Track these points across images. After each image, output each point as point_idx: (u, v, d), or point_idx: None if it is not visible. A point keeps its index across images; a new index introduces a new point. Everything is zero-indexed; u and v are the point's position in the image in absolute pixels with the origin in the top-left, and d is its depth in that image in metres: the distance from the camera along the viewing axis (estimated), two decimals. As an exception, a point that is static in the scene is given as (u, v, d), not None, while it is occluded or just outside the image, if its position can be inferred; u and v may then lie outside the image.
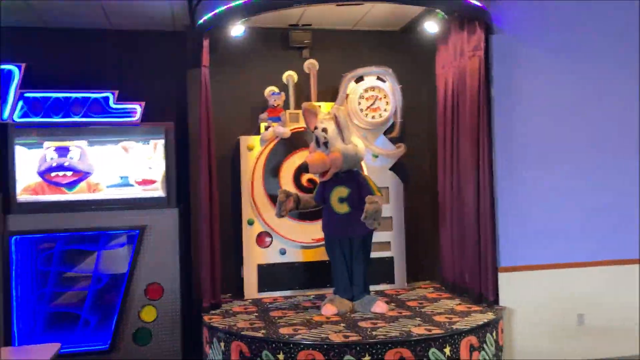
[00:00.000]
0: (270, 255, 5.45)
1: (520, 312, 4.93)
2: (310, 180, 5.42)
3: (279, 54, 5.66)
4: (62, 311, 5.01)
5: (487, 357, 4.44)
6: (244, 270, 5.42)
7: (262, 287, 5.43)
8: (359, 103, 5.49)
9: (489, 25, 4.95)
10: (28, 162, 4.85)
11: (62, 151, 4.91)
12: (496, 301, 4.90)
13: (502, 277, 4.93)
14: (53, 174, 4.86)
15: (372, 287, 5.17)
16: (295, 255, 5.48)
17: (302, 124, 5.32)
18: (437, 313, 4.73)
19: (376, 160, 5.59)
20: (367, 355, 4.07)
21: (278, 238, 5.43)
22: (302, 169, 5.37)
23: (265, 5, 4.69)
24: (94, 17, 5.19)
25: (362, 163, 5.21)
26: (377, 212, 4.52)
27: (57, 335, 4.87)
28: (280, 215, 4.87)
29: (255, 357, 4.26)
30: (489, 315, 4.63)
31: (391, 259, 5.64)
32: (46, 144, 4.89)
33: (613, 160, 5.14)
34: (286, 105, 5.54)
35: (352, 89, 5.52)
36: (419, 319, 4.59)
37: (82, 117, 4.98)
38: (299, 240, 5.44)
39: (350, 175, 4.86)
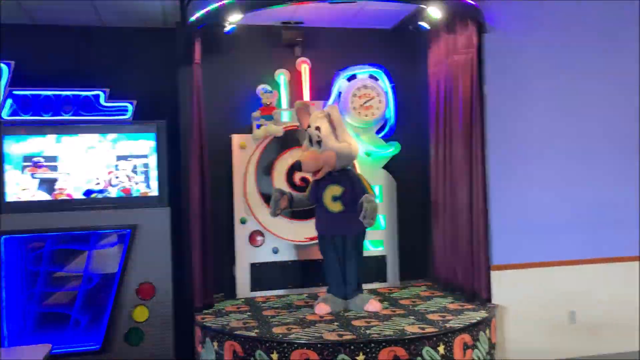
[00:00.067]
0: (263, 254, 5.42)
1: (513, 310, 4.94)
2: (303, 179, 5.40)
3: (270, 52, 5.63)
4: (52, 311, 4.96)
5: (480, 355, 4.45)
6: (236, 269, 5.39)
7: (254, 286, 5.41)
8: (352, 101, 5.48)
9: (482, 24, 4.95)
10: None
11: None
12: (489, 299, 4.91)
13: (495, 275, 4.94)
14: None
15: (365, 286, 5.16)
16: (288, 254, 5.46)
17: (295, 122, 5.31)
18: (430, 311, 4.73)
19: (369, 158, 5.58)
20: (361, 354, 4.06)
21: (271, 237, 5.40)
22: (295, 167, 5.35)
23: (258, 3, 4.67)
24: (84, 15, 5.14)
25: (355, 161, 5.20)
26: (375, 210, 4.52)
27: (48, 335, 4.82)
28: (275, 214, 4.84)
29: (248, 356, 4.23)
30: (482, 313, 4.63)
31: (384, 257, 5.64)
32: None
33: (605, 158, 5.17)
34: (278, 104, 5.52)
35: (344, 87, 5.51)
36: (412, 317, 4.59)
37: (73, 115, 4.94)
38: (291, 239, 5.42)
39: (343, 174, 4.85)
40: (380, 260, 5.63)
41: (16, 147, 4.81)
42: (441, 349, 4.21)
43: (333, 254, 4.87)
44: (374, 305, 4.80)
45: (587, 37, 5.16)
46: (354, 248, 4.86)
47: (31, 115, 4.86)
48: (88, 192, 4.92)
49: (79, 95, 4.94)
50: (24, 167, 4.82)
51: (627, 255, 5.16)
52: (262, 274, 5.41)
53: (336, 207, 4.79)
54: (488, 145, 4.98)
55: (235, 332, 4.33)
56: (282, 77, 5.57)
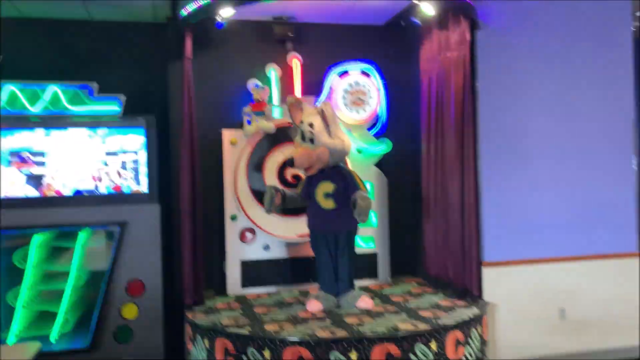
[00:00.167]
0: (254, 251, 5.38)
1: (503, 307, 4.96)
2: (294, 176, 5.37)
3: (262, 47, 5.58)
4: (41, 309, 4.89)
5: (472, 352, 4.46)
6: (226, 266, 5.35)
7: (245, 283, 5.37)
8: (344, 98, 5.45)
9: (475, 20, 4.95)
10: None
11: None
12: (480, 296, 4.92)
13: (486, 272, 4.95)
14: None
15: (356, 282, 5.13)
16: (279, 251, 5.43)
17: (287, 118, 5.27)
18: (422, 308, 4.73)
19: (360, 155, 5.56)
20: (354, 351, 4.05)
21: (262, 234, 5.37)
22: (287, 163, 5.33)
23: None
24: (72, 8, 5.06)
25: (347, 158, 5.18)
26: (369, 207, 4.50)
27: (36, 333, 4.75)
28: (269, 211, 4.81)
29: (240, 354, 4.20)
30: (474, 310, 4.64)
31: (375, 254, 5.63)
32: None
33: (598, 156, 5.19)
34: (270, 99, 5.47)
35: (336, 83, 5.48)
36: (404, 314, 4.58)
37: (61, 109, 4.85)
38: (283, 235, 5.39)
39: (336, 171, 4.82)
40: (371, 257, 5.61)
41: (4, 142, 4.72)
42: (434, 346, 4.21)
43: (325, 250, 4.84)
44: (365, 302, 4.79)
45: (580, 34, 5.17)
46: (346, 245, 4.84)
47: (18, 109, 4.77)
48: (78, 192, 4.85)
49: (67, 89, 4.86)
50: (9, 163, 4.73)
51: (617, 252, 5.19)
52: (253, 271, 5.37)
53: (328, 203, 4.76)
54: (480, 142, 4.99)
55: (227, 330, 4.29)
56: (273, 72, 5.53)
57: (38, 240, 4.76)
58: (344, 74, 5.52)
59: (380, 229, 5.64)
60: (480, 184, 4.97)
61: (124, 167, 4.95)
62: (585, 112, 5.18)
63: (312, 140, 4.72)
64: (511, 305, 4.97)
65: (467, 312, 4.58)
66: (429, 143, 5.36)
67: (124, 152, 4.95)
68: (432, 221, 5.35)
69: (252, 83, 5.41)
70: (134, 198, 4.93)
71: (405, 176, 5.84)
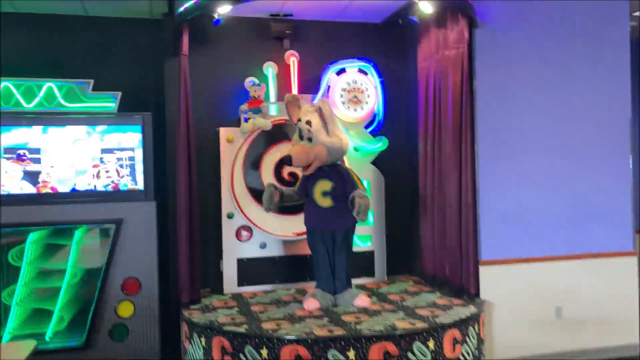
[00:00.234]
0: (251, 249, 5.36)
1: (500, 306, 4.96)
2: (291, 174, 5.35)
3: (259, 45, 5.56)
4: (35, 307, 4.85)
5: (469, 350, 4.46)
6: (223, 264, 5.33)
7: (242, 282, 5.35)
8: (341, 96, 5.44)
9: (473, 19, 4.94)
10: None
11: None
12: (477, 294, 4.92)
13: (483, 271, 4.95)
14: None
15: (353, 281, 5.12)
16: (275, 249, 5.41)
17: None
18: (419, 306, 4.73)
19: (357, 153, 5.55)
20: (351, 349, 4.03)
21: (258, 232, 5.35)
22: (284, 161, 5.30)
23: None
24: (68, 4, 5.02)
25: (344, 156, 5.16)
26: (368, 206, 4.48)
27: (31, 331, 4.71)
28: (268, 209, 4.79)
29: (237, 352, 4.18)
30: (471, 309, 4.63)
31: (372, 252, 5.62)
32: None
33: (594, 154, 5.20)
34: (267, 97, 5.46)
35: (333, 81, 5.47)
36: (402, 312, 4.57)
37: (56, 105, 4.82)
38: (279, 234, 5.37)
39: (333, 169, 4.80)
40: (368, 255, 5.60)
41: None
42: (431, 344, 4.20)
43: (322, 249, 4.83)
44: (362, 300, 4.78)
45: (577, 34, 5.17)
46: (344, 243, 4.83)
47: (13, 105, 4.73)
48: (74, 189, 4.82)
49: (63, 86, 4.82)
50: (7, 159, 4.69)
51: (614, 251, 5.20)
52: (250, 269, 5.35)
53: (326, 202, 4.75)
54: (477, 140, 4.98)
55: (224, 328, 4.27)
56: (270, 70, 5.51)
57: (33, 238, 4.72)
58: (341, 71, 5.51)
59: (377, 227, 5.63)
60: (477, 183, 4.97)
61: (120, 164, 4.91)
62: (582, 111, 5.19)
63: (309, 139, 4.70)
64: (508, 303, 4.97)
65: (464, 311, 4.57)
66: (426, 141, 5.35)
67: (120, 149, 4.91)
68: (429, 219, 5.34)
69: (249, 80, 5.38)
70: (130, 195, 4.90)
71: (403, 174, 5.83)
